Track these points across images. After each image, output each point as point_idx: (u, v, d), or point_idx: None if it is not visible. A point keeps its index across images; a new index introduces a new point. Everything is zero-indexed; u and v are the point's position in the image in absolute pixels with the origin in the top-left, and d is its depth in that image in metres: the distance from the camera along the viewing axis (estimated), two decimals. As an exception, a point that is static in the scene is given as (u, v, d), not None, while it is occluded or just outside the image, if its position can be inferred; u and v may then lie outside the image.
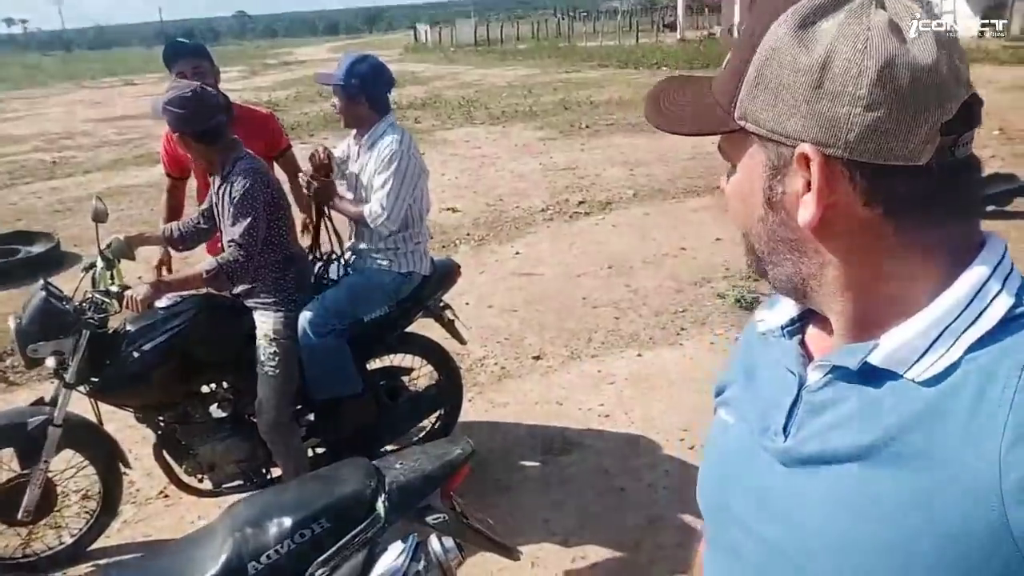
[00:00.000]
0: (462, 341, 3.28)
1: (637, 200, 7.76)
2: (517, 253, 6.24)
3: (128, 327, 2.67)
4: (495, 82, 21.05)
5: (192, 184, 3.40)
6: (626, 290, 5.29)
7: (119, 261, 2.85)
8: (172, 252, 3.13)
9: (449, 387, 3.20)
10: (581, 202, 7.78)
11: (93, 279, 2.72)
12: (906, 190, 0.60)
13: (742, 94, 0.65)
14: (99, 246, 2.78)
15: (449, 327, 3.17)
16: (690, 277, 5.46)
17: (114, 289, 2.55)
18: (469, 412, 3.59)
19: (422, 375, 3.35)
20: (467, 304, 4.81)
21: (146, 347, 2.63)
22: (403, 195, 2.82)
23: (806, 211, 0.62)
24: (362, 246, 2.97)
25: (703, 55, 23.91)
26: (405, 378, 3.25)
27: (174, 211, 3.43)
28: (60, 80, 36.89)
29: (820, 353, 0.71)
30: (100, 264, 2.74)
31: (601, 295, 5.23)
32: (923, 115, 0.58)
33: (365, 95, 2.87)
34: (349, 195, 2.98)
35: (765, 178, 0.66)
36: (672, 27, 38.98)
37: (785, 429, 0.69)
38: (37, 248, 6.68)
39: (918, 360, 0.61)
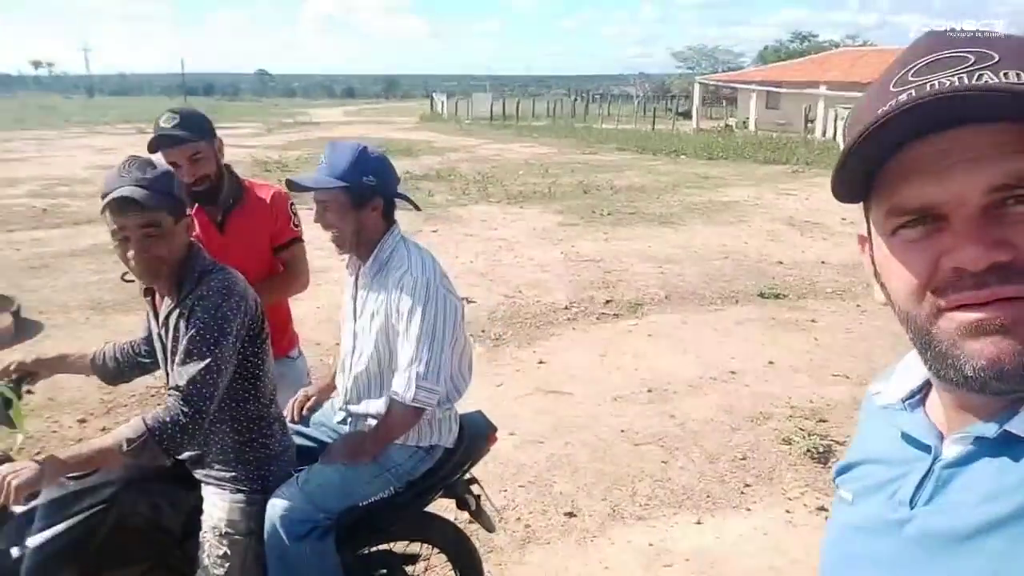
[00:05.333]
0: (490, 529, 2.41)
1: (670, 304, 6.99)
2: (541, 362, 5.42)
3: (13, 507, 1.83)
4: (512, 158, 20.62)
5: None
6: (672, 423, 4.45)
7: (20, 397, 2.04)
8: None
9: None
10: (608, 301, 7.01)
11: None
12: None
13: None
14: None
15: (475, 513, 2.32)
16: (745, 411, 4.62)
17: None
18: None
19: (432, 563, 2.48)
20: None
21: (37, 541, 1.78)
22: (443, 344, 1.99)
23: None
24: (363, 408, 2.15)
25: (720, 145, 23.67)
26: (410, 568, 2.39)
27: None
28: (75, 123, 36.79)
29: (944, 424, 0.70)
30: None
31: (643, 427, 4.38)
32: None
33: (383, 198, 2.09)
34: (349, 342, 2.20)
35: None
36: (687, 116, 39.17)
37: (912, 501, 0.67)
38: (-7, 314, 5.87)
39: None
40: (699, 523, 3.44)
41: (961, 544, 0.60)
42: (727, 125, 33.93)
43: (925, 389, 0.75)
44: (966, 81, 0.57)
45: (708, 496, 3.67)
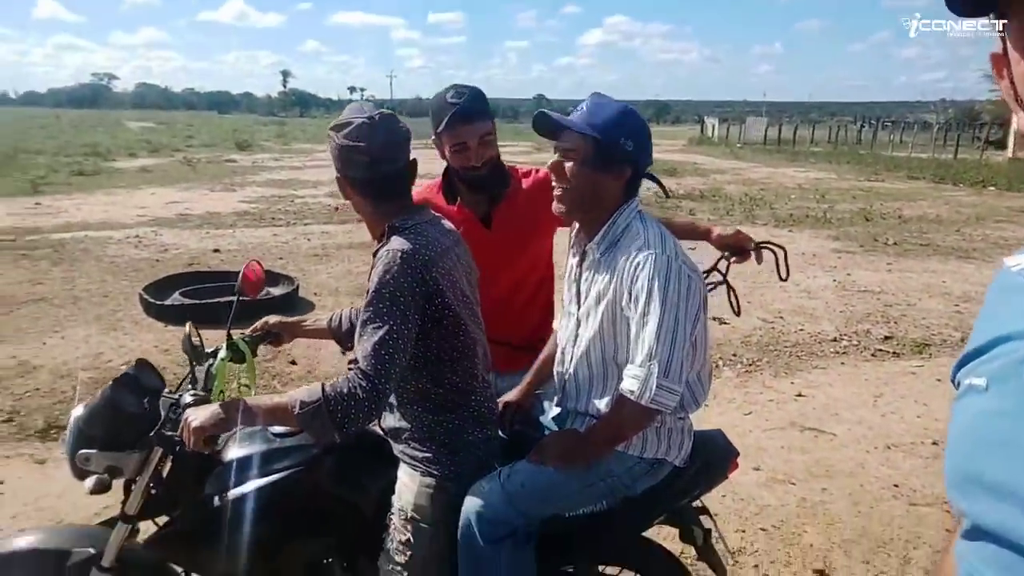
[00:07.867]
0: (720, 572, 1.98)
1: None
2: (799, 395, 4.77)
3: (223, 454, 1.80)
4: (783, 182, 19.30)
5: None
6: (963, 486, 3.62)
7: (255, 354, 2.03)
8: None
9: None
10: (887, 337, 6.08)
11: (207, 374, 1.90)
12: None
13: None
14: (228, 329, 1.96)
15: (703, 550, 1.93)
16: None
17: (186, 399, 1.69)
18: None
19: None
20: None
21: (236, 493, 1.73)
22: (685, 335, 1.62)
23: None
24: (583, 406, 1.85)
25: (1043, 178, 20.19)
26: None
27: None
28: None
29: None
30: (222, 355, 1.92)
31: (922, 486, 3.61)
32: None
33: (632, 169, 1.79)
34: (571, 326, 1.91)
35: None
36: (1000, 145, 34.16)
37: None
38: (277, 290, 6.54)
39: None
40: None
41: None
42: (1053, 156, 28.96)
43: None
44: None
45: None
